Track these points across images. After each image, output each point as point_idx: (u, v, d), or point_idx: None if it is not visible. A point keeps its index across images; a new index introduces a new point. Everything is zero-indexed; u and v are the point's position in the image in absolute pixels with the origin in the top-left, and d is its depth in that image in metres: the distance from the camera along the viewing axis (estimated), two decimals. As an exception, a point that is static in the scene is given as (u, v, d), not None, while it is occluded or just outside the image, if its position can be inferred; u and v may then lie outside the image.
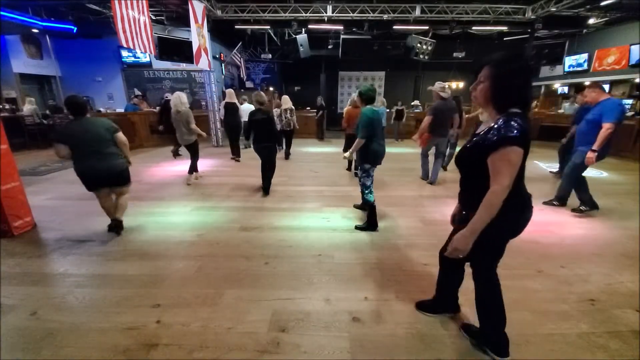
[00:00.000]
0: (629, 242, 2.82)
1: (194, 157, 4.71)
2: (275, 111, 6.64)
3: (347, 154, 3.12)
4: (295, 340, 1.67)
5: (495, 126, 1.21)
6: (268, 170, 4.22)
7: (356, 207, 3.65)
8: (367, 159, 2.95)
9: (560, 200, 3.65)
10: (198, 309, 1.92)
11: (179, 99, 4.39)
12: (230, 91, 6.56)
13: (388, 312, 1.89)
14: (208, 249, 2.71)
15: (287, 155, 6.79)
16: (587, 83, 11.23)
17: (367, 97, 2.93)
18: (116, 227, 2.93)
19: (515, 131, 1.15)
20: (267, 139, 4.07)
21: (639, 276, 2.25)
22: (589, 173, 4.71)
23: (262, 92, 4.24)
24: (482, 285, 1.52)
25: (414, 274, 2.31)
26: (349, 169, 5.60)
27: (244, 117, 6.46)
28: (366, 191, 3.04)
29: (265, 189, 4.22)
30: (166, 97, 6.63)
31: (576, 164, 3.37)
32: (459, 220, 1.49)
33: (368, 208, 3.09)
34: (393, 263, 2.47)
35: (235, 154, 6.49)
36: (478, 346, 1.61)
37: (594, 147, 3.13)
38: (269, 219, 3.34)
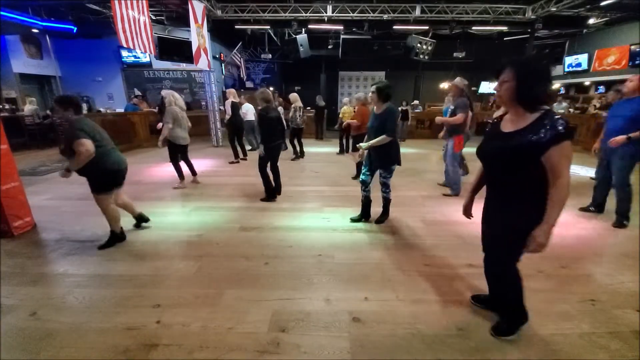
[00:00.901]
0: (629, 242, 2.82)
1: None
2: (281, 109, 6.62)
3: (364, 145, 2.91)
4: (296, 341, 1.66)
5: (544, 124, 1.27)
6: (277, 170, 4.05)
7: (354, 220, 3.28)
8: (397, 159, 2.95)
9: (623, 217, 3.15)
10: (198, 309, 1.92)
11: (180, 98, 4.33)
12: (233, 90, 6.54)
13: (388, 312, 1.89)
14: (208, 249, 2.70)
15: (303, 154, 6.83)
16: (587, 83, 11.29)
17: (386, 93, 2.84)
18: (142, 219, 3.10)
19: (564, 126, 1.24)
20: (281, 137, 3.99)
21: (639, 276, 2.25)
22: (591, 173, 4.68)
23: (267, 90, 3.97)
24: (507, 277, 1.61)
25: (414, 274, 2.31)
26: (356, 177, 4.92)
27: (246, 117, 6.43)
28: (388, 190, 3.13)
29: (279, 190, 4.09)
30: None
31: (624, 165, 2.99)
32: (507, 221, 1.48)
33: (386, 202, 3.21)
34: (393, 263, 2.46)
35: (243, 153, 6.49)
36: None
37: (633, 135, 2.80)
38: (269, 219, 3.34)
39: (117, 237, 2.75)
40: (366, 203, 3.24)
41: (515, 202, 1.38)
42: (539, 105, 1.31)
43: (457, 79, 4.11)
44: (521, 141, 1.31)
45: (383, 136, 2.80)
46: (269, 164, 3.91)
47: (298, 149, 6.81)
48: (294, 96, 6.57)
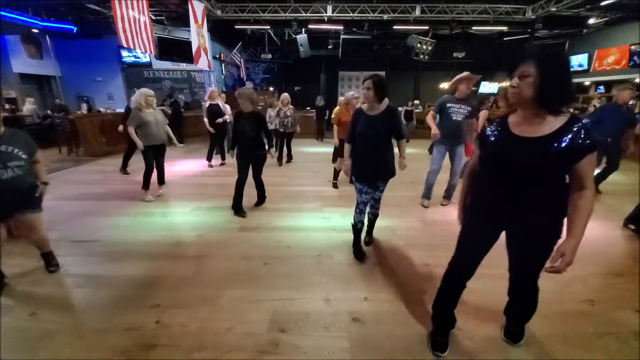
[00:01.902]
0: (629, 242, 2.82)
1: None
2: (272, 110, 6.02)
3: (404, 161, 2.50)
4: (295, 341, 1.66)
5: (576, 130, 1.14)
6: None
7: (359, 252, 2.60)
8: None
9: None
10: (197, 309, 1.91)
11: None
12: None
13: (388, 312, 1.89)
14: (208, 249, 2.70)
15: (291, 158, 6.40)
16: (587, 83, 11.28)
17: (385, 89, 2.23)
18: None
19: (594, 134, 1.16)
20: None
21: (639, 276, 2.25)
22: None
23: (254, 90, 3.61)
24: (530, 290, 1.55)
25: (414, 274, 2.31)
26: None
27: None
28: (379, 205, 2.60)
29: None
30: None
31: None
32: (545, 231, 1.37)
33: (375, 221, 2.70)
34: (393, 263, 2.46)
35: (223, 157, 6.13)
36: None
37: None
38: (268, 219, 3.34)
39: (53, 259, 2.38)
40: (360, 230, 2.59)
41: (550, 209, 1.29)
42: (564, 108, 1.19)
43: (467, 73, 3.48)
44: (558, 148, 1.16)
45: (404, 141, 2.47)
46: (250, 173, 3.49)
47: (286, 152, 6.30)
48: (288, 97, 5.98)
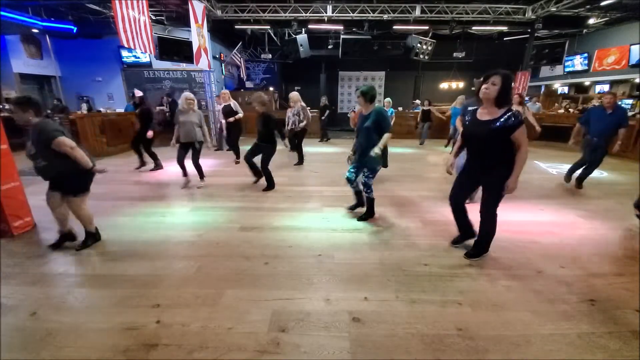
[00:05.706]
0: (629, 242, 2.82)
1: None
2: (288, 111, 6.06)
3: (377, 149, 2.88)
4: (295, 340, 1.66)
5: (510, 116, 2.03)
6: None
7: (351, 208, 3.53)
8: (385, 160, 3.28)
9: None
10: (198, 309, 1.92)
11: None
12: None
13: (388, 312, 1.89)
14: (208, 249, 2.70)
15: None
16: (587, 83, 11.28)
17: (372, 95, 2.97)
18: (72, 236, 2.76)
19: (520, 117, 2.07)
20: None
21: (639, 276, 2.25)
22: (594, 174, 4.64)
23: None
24: (492, 216, 2.35)
25: (414, 273, 2.31)
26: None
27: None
28: (370, 191, 3.20)
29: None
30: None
31: None
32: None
33: (369, 202, 3.29)
34: (393, 263, 2.46)
35: (237, 155, 6.31)
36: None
37: None
38: (268, 219, 3.34)
39: (93, 237, 2.75)
40: (358, 192, 3.42)
41: (497, 163, 2.17)
42: (506, 105, 2.10)
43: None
44: (496, 125, 2.07)
45: (387, 134, 2.94)
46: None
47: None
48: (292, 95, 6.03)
